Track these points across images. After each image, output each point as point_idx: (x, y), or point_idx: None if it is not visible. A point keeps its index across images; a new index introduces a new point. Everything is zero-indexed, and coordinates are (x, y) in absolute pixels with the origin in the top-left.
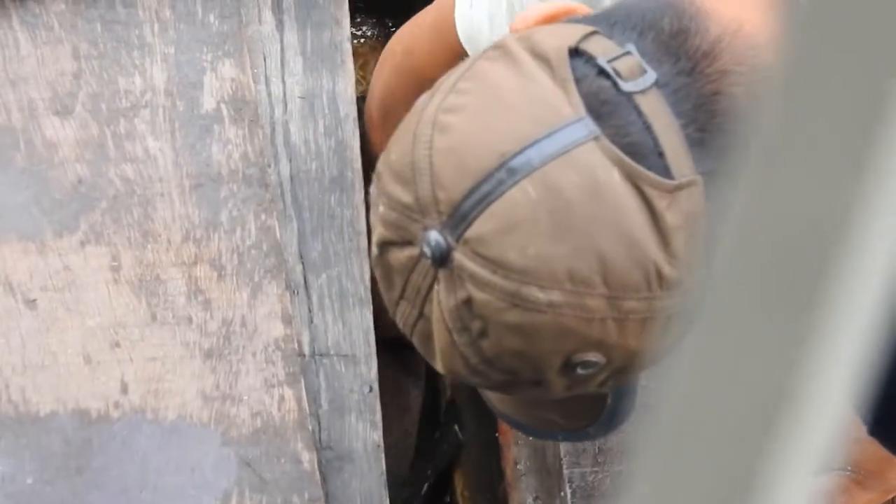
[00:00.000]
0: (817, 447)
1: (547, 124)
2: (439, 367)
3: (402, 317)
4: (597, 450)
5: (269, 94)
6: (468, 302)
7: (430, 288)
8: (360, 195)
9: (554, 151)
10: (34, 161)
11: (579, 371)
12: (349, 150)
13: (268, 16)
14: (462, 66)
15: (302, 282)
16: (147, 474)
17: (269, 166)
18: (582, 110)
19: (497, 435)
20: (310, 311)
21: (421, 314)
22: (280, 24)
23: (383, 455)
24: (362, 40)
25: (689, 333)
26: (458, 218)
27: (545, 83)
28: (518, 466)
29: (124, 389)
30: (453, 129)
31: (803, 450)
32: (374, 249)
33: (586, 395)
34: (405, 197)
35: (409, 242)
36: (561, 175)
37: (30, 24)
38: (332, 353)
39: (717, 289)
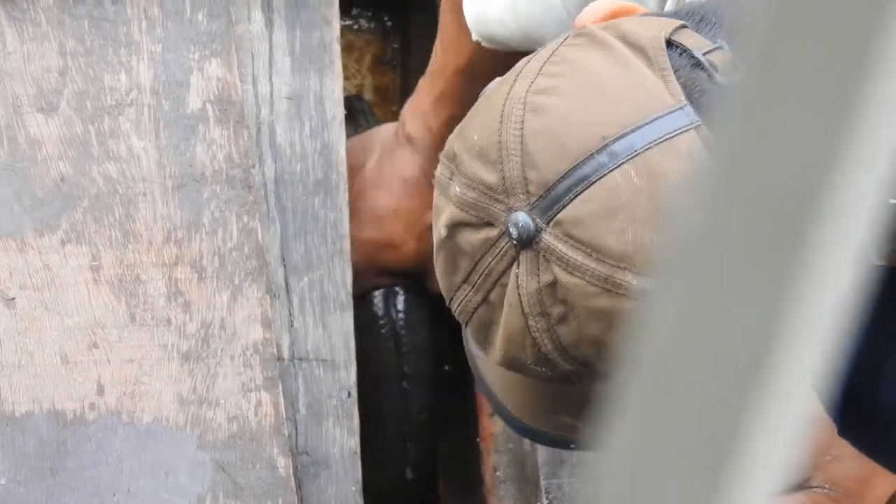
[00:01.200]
0: (793, 411)
1: (648, 111)
2: (497, 354)
3: (461, 302)
4: (574, 461)
5: (256, 95)
6: (553, 285)
7: (505, 272)
8: (344, 198)
9: (656, 138)
10: (17, 158)
11: None
12: (335, 153)
13: (257, 15)
14: (542, 53)
15: (283, 285)
16: (121, 477)
17: (254, 167)
18: (682, 98)
19: (477, 440)
20: (290, 314)
21: (485, 299)
22: (269, 24)
23: (360, 461)
24: (358, 33)
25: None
26: (551, 199)
27: (644, 71)
28: (497, 473)
29: (100, 391)
30: (548, 110)
31: (779, 414)
32: (443, 231)
33: None
34: (489, 177)
35: (486, 224)
36: (663, 161)
37: (17, 19)
38: (311, 357)
39: (696, 245)
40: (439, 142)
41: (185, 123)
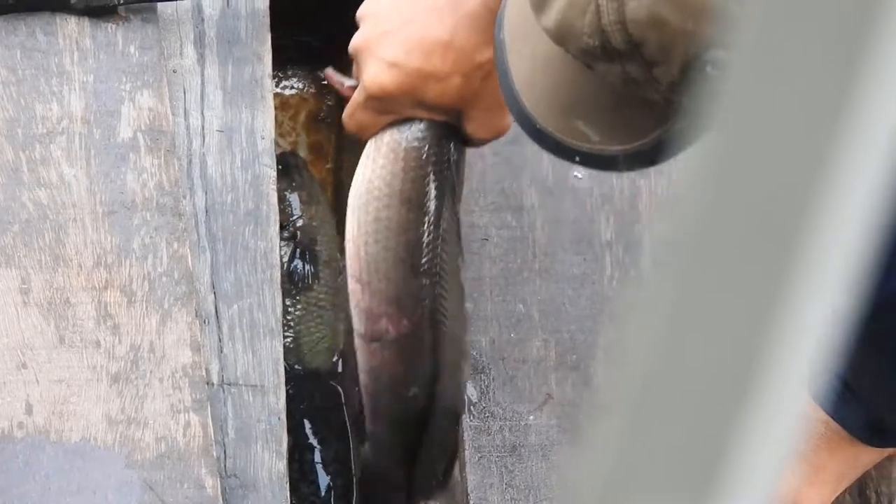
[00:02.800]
0: (785, 418)
1: None
2: (552, 18)
3: None
4: (504, 485)
5: (188, 127)
6: None
7: None
8: (274, 228)
9: None
10: None
11: (707, 69)
12: (265, 184)
13: (189, 49)
14: None
15: (213, 311)
16: (48, 495)
17: (185, 197)
18: None
19: None
20: (220, 340)
21: None
22: (201, 58)
23: (288, 484)
24: (293, 91)
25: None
26: None
27: None
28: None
29: (28, 410)
30: None
31: (771, 421)
32: None
33: (643, 114)
34: None
35: None
36: None
37: None
38: (240, 382)
39: (690, 248)
40: None
41: (116, 152)
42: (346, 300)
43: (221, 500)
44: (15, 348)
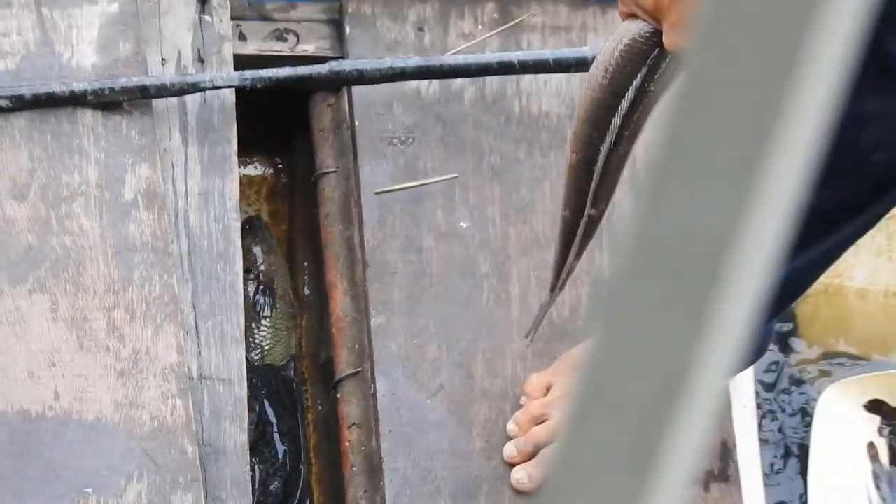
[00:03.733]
0: (703, 420)
1: None
2: None
3: None
4: (408, 451)
5: (175, 191)
6: None
7: None
8: (239, 265)
9: None
10: None
11: None
12: (232, 233)
13: (176, 134)
14: None
15: (193, 325)
16: (72, 458)
17: (172, 241)
18: None
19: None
20: (198, 346)
21: None
22: (185, 141)
23: (248, 451)
24: (257, 172)
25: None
26: None
27: None
28: (353, 468)
29: (56, 397)
30: None
31: (693, 424)
32: None
33: None
34: None
35: None
36: None
37: None
38: (213, 377)
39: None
40: None
41: (121, 209)
42: (296, 324)
43: (199, 463)
44: (46, 352)
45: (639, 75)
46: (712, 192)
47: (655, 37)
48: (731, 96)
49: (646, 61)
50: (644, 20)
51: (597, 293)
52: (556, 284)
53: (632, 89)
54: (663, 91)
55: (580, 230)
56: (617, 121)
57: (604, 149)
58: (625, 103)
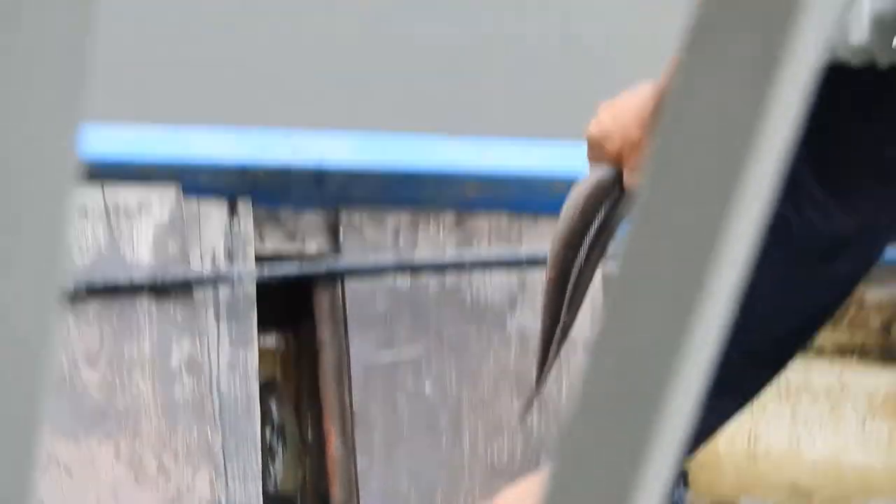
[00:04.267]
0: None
1: None
2: None
3: None
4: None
5: (209, 360)
6: None
7: None
8: (257, 416)
9: None
10: (73, 393)
11: None
12: (253, 393)
13: (211, 316)
14: None
15: (223, 465)
16: None
17: (208, 400)
18: None
19: None
20: (226, 481)
21: None
22: (217, 321)
23: None
24: (270, 342)
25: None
26: None
27: None
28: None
29: None
30: None
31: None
32: None
33: None
34: None
35: None
36: None
37: (74, 314)
38: None
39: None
40: None
41: (170, 374)
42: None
43: None
44: (111, 486)
45: (603, 208)
46: (655, 316)
47: (617, 178)
48: (672, 229)
49: (609, 197)
50: (608, 165)
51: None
52: (540, 379)
53: (598, 219)
54: (622, 219)
55: (557, 334)
56: (586, 244)
57: (576, 267)
58: (592, 231)
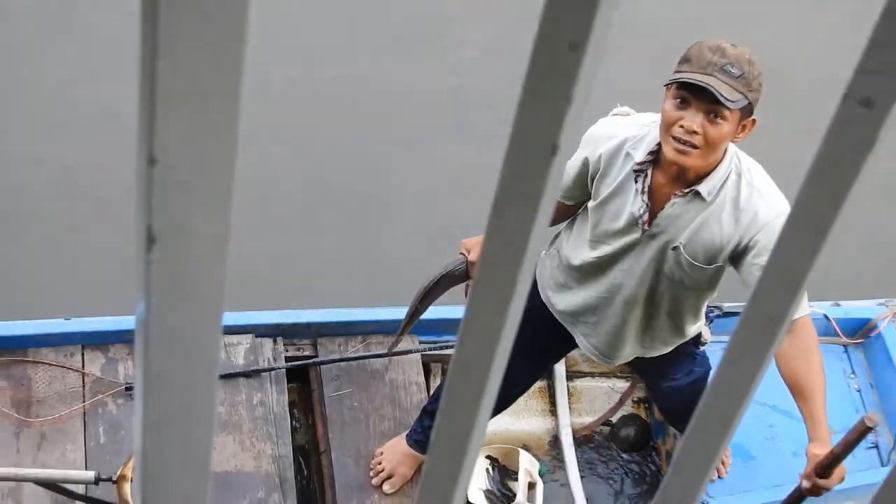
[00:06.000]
0: None
1: None
2: None
3: None
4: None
5: (270, 399)
6: None
7: None
8: (287, 415)
9: None
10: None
11: None
12: (285, 406)
13: (268, 381)
14: None
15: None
16: None
17: (268, 410)
18: None
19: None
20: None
21: None
22: (271, 384)
23: None
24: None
25: None
26: None
27: None
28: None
29: None
30: None
31: None
32: None
33: None
34: None
35: None
36: None
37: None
38: None
39: None
40: None
41: (251, 407)
42: None
43: None
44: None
45: (447, 281)
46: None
47: (466, 266)
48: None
49: (454, 277)
50: (463, 256)
51: None
52: (399, 333)
53: (445, 284)
54: (450, 287)
55: (410, 313)
56: (430, 294)
57: (421, 295)
58: (437, 290)
